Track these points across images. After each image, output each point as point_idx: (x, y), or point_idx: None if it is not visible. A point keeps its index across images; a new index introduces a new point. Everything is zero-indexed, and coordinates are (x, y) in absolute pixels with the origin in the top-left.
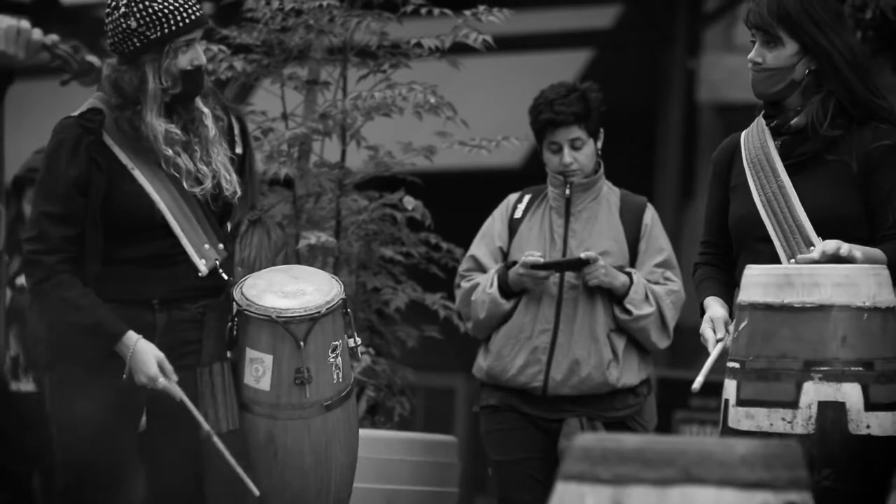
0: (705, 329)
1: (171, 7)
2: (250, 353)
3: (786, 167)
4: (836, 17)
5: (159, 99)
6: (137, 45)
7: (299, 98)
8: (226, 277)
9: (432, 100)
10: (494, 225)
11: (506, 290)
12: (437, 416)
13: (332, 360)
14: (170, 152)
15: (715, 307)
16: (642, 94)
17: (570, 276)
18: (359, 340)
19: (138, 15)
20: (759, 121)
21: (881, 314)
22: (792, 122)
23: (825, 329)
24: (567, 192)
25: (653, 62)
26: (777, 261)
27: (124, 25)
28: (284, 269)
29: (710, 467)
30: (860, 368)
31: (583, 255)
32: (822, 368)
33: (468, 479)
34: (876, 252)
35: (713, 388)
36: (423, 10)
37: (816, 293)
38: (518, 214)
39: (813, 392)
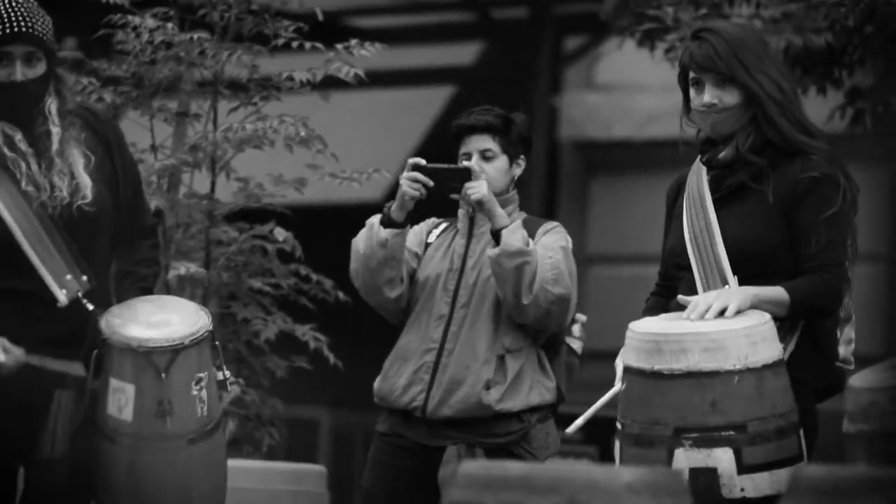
0: (618, 362)
1: None
2: (113, 383)
3: (715, 200)
4: (764, 55)
5: None
6: None
7: (169, 130)
8: (90, 308)
9: (303, 132)
10: (415, 232)
11: (388, 218)
12: (300, 448)
13: (195, 392)
14: (5, 149)
15: None
16: None
17: (462, 294)
18: (228, 374)
19: None
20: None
21: (756, 374)
22: (720, 155)
23: (693, 396)
24: (470, 210)
25: (514, 99)
26: (695, 290)
27: None
28: (152, 299)
29: (597, 495)
30: (731, 432)
31: (465, 163)
32: (691, 435)
33: None
34: (773, 293)
35: (575, 421)
36: (295, 44)
37: (684, 359)
38: (431, 239)
39: (684, 459)
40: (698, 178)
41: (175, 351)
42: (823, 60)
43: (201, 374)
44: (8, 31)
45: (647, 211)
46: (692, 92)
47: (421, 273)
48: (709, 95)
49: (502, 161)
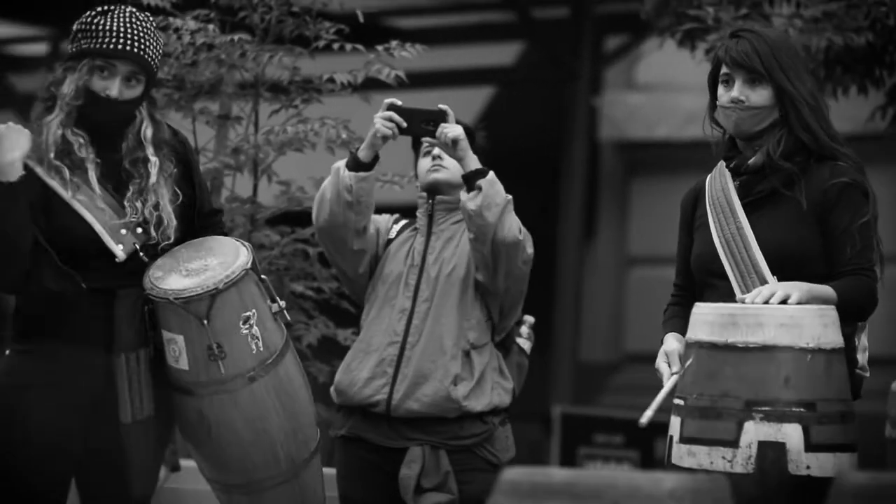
0: (660, 363)
1: (105, 28)
2: (165, 335)
3: (744, 206)
4: (800, 64)
5: (66, 107)
6: (72, 49)
7: (211, 133)
8: (146, 260)
9: (344, 135)
10: (383, 218)
11: (354, 160)
12: None
13: (245, 331)
14: (52, 154)
15: (670, 341)
16: (545, 132)
17: (423, 288)
18: (282, 303)
19: (82, 23)
20: (721, 164)
21: (825, 355)
22: (750, 161)
23: (768, 369)
24: (430, 208)
25: (555, 100)
26: (732, 297)
27: (74, 29)
28: (195, 243)
29: (639, 501)
30: (802, 409)
31: (441, 106)
32: (763, 409)
33: None
34: (824, 291)
35: (616, 424)
36: (336, 46)
37: (760, 333)
38: (392, 235)
39: (753, 432)
40: (723, 184)
41: (212, 296)
42: (864, 60)
43: (248, 313)
44: (120, 46)
45: None
46: (720, 89)
47: (384, 268)
48: (737, 91)
49: None
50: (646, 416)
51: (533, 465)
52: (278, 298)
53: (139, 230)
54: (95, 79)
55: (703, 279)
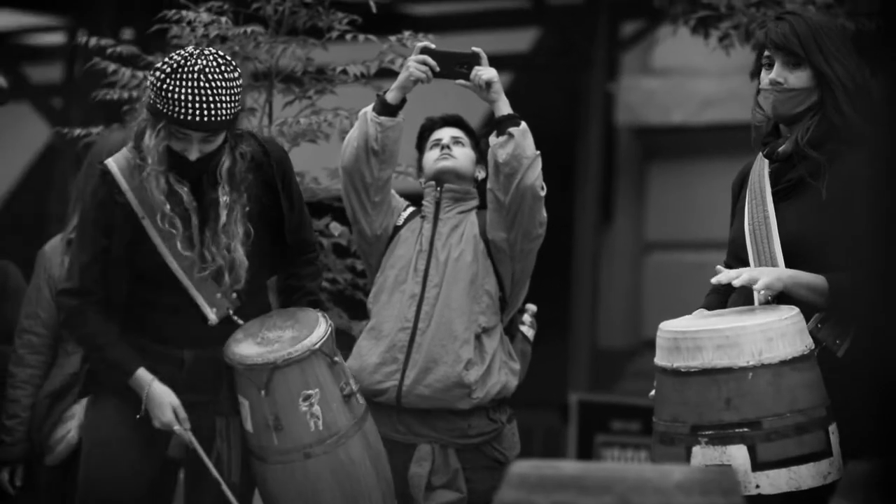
0: None
1: (175, 97)
2: (239, 397)
3: (774, 193)
4: (842, 45)
5: (155, 156)
6: (150, 101)
7: None
8: (241, 323)
9: None
10: (400, 200)
11: (381, 103)
12: None
13: (304, 408)
14: (167, 207)
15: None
16: (561, 118)
17: (433, 274)
18: (355, 387)
19: (155, 81)
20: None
21: (771, 370)
22: (780, 148)
23: (708, 393)
24: (437, 195)
25: (571, 85)
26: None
27: (150, 79)
28: (288, 312)
29: (648, 494)
30: (746, 429)
31: (474, 48)
32: (707, 432)
33: None
34: (812, 280)
35: (633, 411)
36: (349, 36)
37: (699, 357)
38: (399, 222)
39: (700, 456)
40: (760, 170)
41: (271, 370)
42: (876, 44)
43: (310, 391)
44: (189, 117)
45: (706, 196)
46: (763, 73)
47: (393, 252)
48: (775, 73)
49: (470, 150)
50: None
51: (549, 453)
52: (353, 381)
53: (234, 295)
54: (174, 140)
55: (734, 265)
